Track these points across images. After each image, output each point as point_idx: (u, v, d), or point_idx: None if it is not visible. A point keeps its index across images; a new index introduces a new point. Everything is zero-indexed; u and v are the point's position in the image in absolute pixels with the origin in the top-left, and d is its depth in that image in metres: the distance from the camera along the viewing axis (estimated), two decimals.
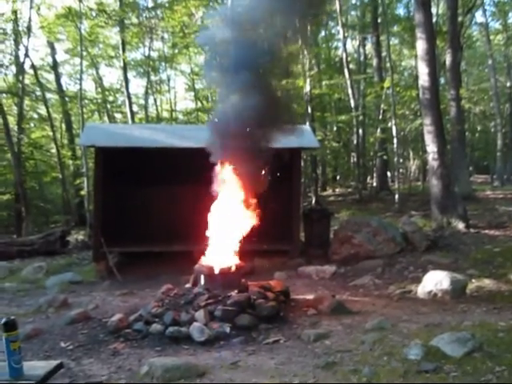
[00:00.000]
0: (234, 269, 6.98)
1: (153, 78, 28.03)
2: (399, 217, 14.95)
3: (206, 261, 7.15)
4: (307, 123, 17.55)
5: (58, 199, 26.68)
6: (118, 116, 29.64)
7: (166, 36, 26.50)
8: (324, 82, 25.54)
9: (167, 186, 11.17)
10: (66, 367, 4.74)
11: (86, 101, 26.48)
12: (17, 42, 22.24)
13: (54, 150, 25.41)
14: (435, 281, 7.54)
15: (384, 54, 25.44)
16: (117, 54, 25.41)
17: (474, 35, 30.78)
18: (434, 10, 19.93)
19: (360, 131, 24.25)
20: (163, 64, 27.97)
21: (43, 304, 7.66)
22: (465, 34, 25.18)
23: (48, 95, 26.08)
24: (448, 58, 18.36)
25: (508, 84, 28.80)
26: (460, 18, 21.23)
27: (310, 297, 7.43)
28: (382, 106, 23.17)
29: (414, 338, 5.08)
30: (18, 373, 2.65)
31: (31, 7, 21.27)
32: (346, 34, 25.00)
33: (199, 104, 28.81)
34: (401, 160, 25.81)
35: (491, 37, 28.20)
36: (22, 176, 20.67)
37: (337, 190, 29.43)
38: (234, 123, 6.65)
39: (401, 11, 28.68)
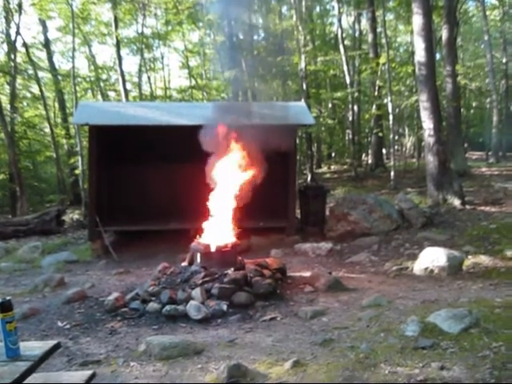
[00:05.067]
0: (230, 246, 6.97)
1: (146, 55, 27.70)
2: (395, 194, 14.94)
3: (202, 239, 7.14)
4: (302, 100, 17.44)
5: (52, 178, 26.57)
6: (112, 94, 29.43)
7: (159, 13, 26.20)
8: (319, 59, 25.33)
9: (163, 164, 11.10)
10: (64, 346, 4.75)
11: (79, 79, 26.25)
12: (8, 20, 21.98)
13: (47, 129, 25.25)
14: (432, 257, 7.55)
15: (379, 29, 25.19)
16: (109, 32, 25.11)
17: (470, 10, 30.54)
18: None
19: (355, 108, 24.16)
20: (156, 41, 27.66)
21: (39, 283, 7.67)
22: (461, 9, 24.91)
23: (40, 74, 25.89)
24: (444, 34, 18.20)
25: (504, 60, 28.62)
26: None
27: (307, 274, 7.45)
28: (378, 82, 22.97)
29: (410, 314, 5.09)
30: (14, 353, 2.64)
31: None
32: (341, 10, 24.75)
33: (193, 82, 28.58)
34: (396, 137, 25.74)
35: (487, 12, 27.90)
36: (16, 155, 20.52)
37: (332, 167, 29.36)
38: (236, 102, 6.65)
39: None
